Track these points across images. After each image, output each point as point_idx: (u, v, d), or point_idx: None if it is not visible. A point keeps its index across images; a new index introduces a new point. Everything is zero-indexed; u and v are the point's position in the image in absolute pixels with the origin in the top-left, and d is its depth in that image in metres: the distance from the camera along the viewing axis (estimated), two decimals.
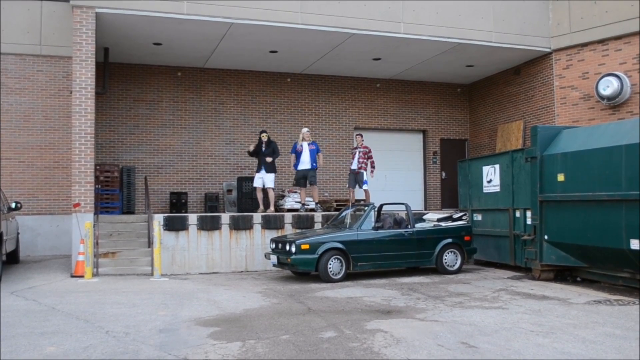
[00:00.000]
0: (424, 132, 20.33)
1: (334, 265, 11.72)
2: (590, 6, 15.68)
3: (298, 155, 15.17)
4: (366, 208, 12.82)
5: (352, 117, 19.30)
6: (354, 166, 15.40)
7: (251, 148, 15.25)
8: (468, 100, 20.67)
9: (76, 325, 7.62)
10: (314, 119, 18.82)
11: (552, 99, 16.66)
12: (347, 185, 15.37)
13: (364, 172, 15.38)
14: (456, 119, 20.56)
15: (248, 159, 17.85)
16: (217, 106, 17.96)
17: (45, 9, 15.95)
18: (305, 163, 15.10)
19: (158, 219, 12.97)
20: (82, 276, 12.06)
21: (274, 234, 13.93)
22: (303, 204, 15.25)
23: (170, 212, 16.24)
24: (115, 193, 15.27)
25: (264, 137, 15.17)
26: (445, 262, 12.83)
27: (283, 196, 16.30)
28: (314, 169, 15.18)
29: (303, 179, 15.10)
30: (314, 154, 15.23)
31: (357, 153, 15.44)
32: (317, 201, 15.42)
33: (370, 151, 15.54)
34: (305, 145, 15.22)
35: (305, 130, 15.43)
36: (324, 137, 18.48)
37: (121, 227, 13.58)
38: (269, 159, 14.98)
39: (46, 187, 15.88)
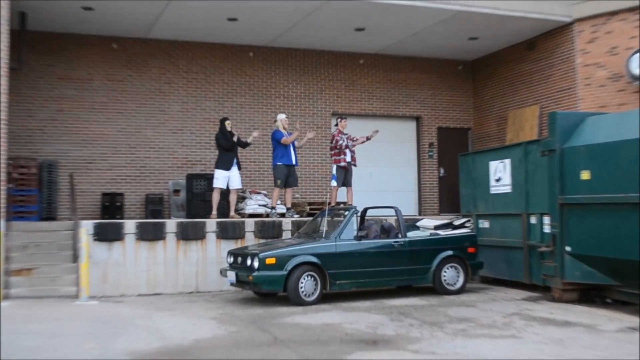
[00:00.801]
0: (417, 119, 20.33)
1: (307, 284, 11.66)
2: None
3: (284, 146, 15.17)
4: (346, 213, 12.77)
5: (329, 100, 19.25)
6: (349, 158, 15.45)
7: (235, 139, 15.20)
8: (472, 81, 20.72)
9: None
10: (282, 103, 18.73)
11: (573, 80, 16.73)
12: (335, 183, 15.32)
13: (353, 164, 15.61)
14: (457, 103, 20.59)
15: (200, 152, 17.80)
16: (162, 86, 17.79)
17: None
18: (292, 158, 15.25)
19: (86, 227, 12.84)
20: None
21: (232, 245, 13.83)
22: (273, 208, 15.31)
23: (102, 218, 16.07)
24: (32, 194, 14.99)
25: (229, 125, 15.21)
26: (445, 280, 12.82)
27: (244, 198, 16.19)
28: (297, 166, 15.51)
29: (286, 177, 15.18)
30: (294, 147, 15.40)
31: (347, 142, 15.46)
32: (289, 206, 15.50)
33: (351, 137, 15.74)
34: (285, 134, 15.34)
35: (283, 116, 15.53)
36: (294, 127, 18.26)
37: (39, 237, 13.37)
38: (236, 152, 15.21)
39: None
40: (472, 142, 20.67)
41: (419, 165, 20.34)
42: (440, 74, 20.44)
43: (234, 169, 15.10)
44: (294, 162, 15.32)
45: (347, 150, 15.42)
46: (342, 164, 15.36)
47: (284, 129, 15.33)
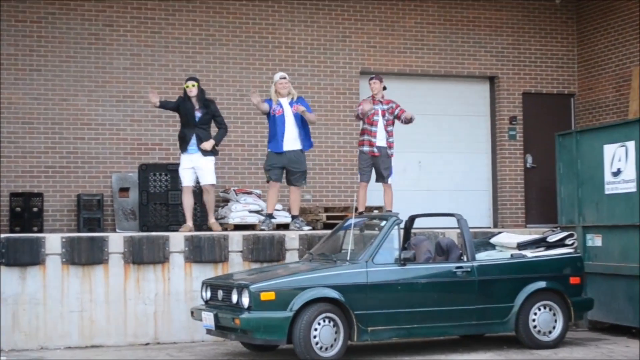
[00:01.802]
0: (492, 80, 20.37)
1: (324, 332, 11.62)
2: None
3: (273, 122, 15.22)
4: (384, 224, 12.73)
5: (356, 52, 19.24)
6: (380, 140, 15.37)
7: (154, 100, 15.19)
8: (575, 22, 20.67)
9: None
10: (285, 56, 18.75)
11: None
12: (359, 178, 15.27)
13: (390, 152, 15.44)
14: (553, 55, 20.55)
15: (159, 131, 17.84)
16: (100, 30, 17.79)
17: None
18: (290, 140, 15.19)
19: None
20: None
21: (210, 272, 13.86)
22: (269, 216, 15.28)
23: (12, 231, 16.07)
24: None
25: (191, 88, 15.12)
26: (535, 326, 12.78)
27: (227, 200, 16.15)
28: (303, 150, 15.34)
29: (280, 171, 15.19)
30: (300, 121, 15.27)
31: (380, 113, 15.40)
32: (296, 213, 15.50)
33: (398, 106, 15.53)
34: (285, 103, 15.23)
35: (279, 76, 15.47)
36: (304, 91, 18.28)
37: None
38: (202, 130, 15.06)
39: None
40: (577, 116, 20.64)
41: (493, 151, 20.34)
42: (527, 11, 20.36)
43: (195, 153, 15.04)
44: (283, 148, 15.14)
45: (378, 126, 15.34)
46: (366, 147, 15.37)
47: (279, 94, 15.22)
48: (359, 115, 15.39)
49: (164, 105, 15.38)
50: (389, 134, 15.47)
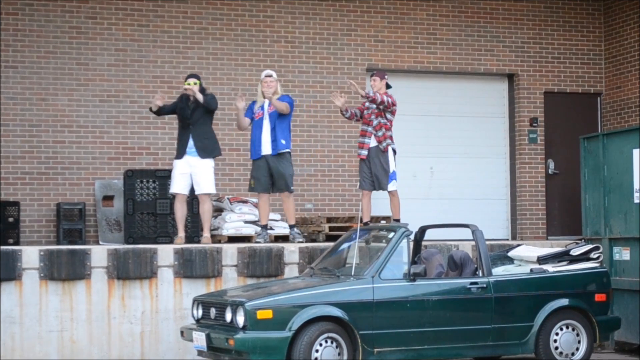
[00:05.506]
0: (510, 77, 20.39)
1: (326, 354, 11.66)
2: None
3: (253, 127, 15.25)
4: (392, 235, 12.76)
5: (362, 47, 19.25)
6: (373, 140, 15.35)
7: (158, 102, 15.15)
8: (602, 14, 20.67)
9: None
10: (284, 52, 18.76)
11: None
12: (358, 185, 15.29)
13: (389, 151, 15.39)
14: (578, 51, 20.53)
15: (147, 134, 17.79)
16: (82, 23, 17.79)
17: None
18: (267, 143, 15.13)
19: None
20: None
21: (202, 288, 13.87)
22: (265, 227, 15.27)
23: None
24: None
25: (191, 87, 15.09)
26: (556, 348, 12.80)
27: (220, 210, 16.29)
28: (282, 153, 15.18)
29: (267, 179, 15.14)
30: (279, 123, 15.20)
31: (371, 110, 15.44)
32: (292, 223, 15.50)
33: (393, 104, 15.37)
34: (265, 106, 15.25)
35: (265, 74, 15.44)
36: (305, 90, 18.34)
37: None
38: (199, 128, 15.05)
39: None
40: (604, 117, 20.62)
41: (512, 156, 20.33)
42: (550, 3, 20.34)
43: (192, 157, 14.97)
44: (261, 154, 15.15)
45: (372, 125, 15.37)
46: (359, 151, 15.45)
47: (263, 95, 15.18)
48: (343, 113, 15.52)
49: (161, 110, 15.26)
50: (377, 128, 15.27)
